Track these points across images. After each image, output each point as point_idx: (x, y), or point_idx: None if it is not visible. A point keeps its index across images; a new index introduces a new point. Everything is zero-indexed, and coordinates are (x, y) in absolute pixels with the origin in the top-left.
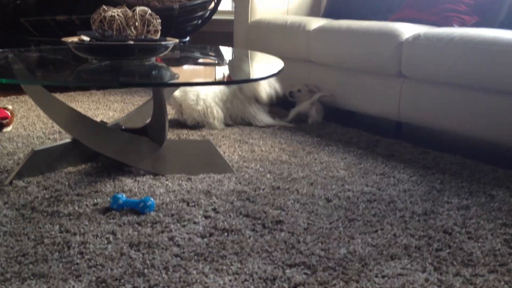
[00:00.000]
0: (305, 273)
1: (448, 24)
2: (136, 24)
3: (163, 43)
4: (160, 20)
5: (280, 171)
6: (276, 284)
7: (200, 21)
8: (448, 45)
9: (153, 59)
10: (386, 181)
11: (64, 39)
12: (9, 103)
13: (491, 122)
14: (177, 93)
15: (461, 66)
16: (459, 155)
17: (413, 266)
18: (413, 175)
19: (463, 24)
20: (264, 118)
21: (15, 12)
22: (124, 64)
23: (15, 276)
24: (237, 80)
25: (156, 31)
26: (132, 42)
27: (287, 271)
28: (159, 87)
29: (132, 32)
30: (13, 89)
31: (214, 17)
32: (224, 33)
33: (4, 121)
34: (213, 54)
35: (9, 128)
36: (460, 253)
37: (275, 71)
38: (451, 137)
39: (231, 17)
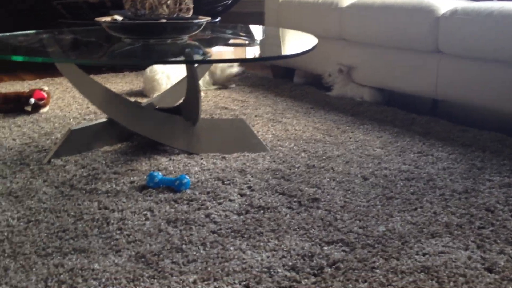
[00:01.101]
0: (344, 250)
1: None
2: (168, 2)
3: (195, 21)
4: None
5: (314, 150)
6: (315, 261)
7: (230, 1)
8: (487, 19)
9: (186, 37)
10: (424, 159)
11: (98, 19)
12: (44, 85)
13: None
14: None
15: (500, 41)
16: (499, 133)
17: (455, 244)
18: (452, 153)
19: None
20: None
21: None
22: (157, 42)
23: (56, 251)
24: (269, 56)
25: (188, 9)
26: (164, 21)
27: (325, 248)
28: (193, 64)
29: (164, 10)
30: (48, 71)
31: None
32: (254, 13)
33: (41, 102)
34: (244, 32)
35: (45, 109)
36: (503, 231)
37: (309, 47)
38: (491, 114)
39: None
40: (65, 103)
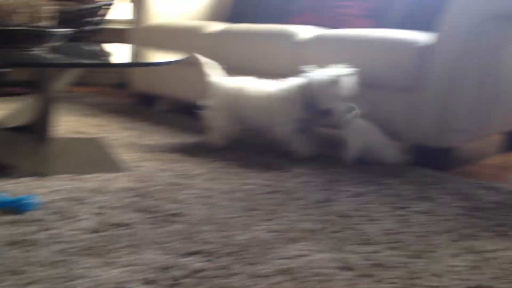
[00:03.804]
0: (206, 260)
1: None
2: (25, 10)
3: (53, 30)
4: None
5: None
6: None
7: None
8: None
9: (40, 48)
10: (284, 175)
11: None
12: None
13: None
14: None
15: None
16: None
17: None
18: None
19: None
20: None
21: None
22: (12, 52)
23: None
24: (136, 63)
25: (46, 18)
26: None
27: (184, 259)
28: (47, 67)
29: (21, 19)
30: None
31: (112, 26)
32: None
33: None
34: (101, 47)
35: None
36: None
37: (175, 59)
38: None
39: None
40: None
